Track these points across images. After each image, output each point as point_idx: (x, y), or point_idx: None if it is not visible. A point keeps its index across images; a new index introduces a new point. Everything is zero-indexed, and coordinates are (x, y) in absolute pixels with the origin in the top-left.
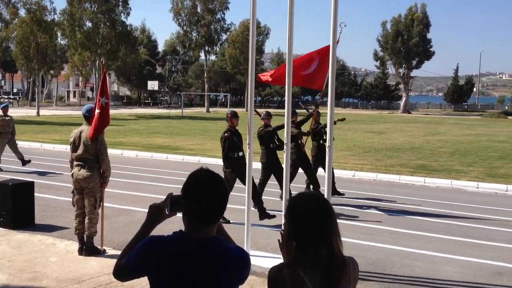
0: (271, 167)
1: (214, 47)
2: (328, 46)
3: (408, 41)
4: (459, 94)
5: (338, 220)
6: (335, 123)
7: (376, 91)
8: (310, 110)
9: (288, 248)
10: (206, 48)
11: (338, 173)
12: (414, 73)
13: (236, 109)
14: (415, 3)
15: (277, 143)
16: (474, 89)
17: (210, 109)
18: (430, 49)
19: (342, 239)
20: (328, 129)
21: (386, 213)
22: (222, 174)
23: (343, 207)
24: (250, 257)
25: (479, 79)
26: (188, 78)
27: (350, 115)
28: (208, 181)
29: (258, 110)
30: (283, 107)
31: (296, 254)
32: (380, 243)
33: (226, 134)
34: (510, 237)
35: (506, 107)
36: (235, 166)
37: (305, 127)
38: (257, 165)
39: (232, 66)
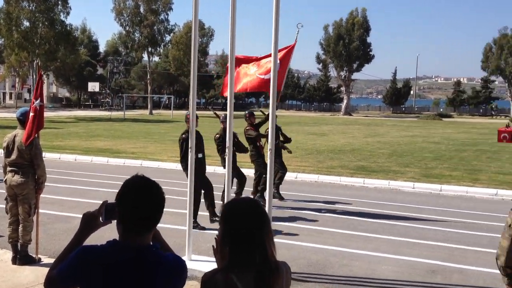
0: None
1: (158, 48)
2: (287, 49)
3: (349, 45)
4: (397, 96)
5: (278, 223)
6: (282, 146)
7: (319, 93)
8: (266, 113)
9: (222, 253)
10: (149, 49)
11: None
12: (355, 76)
13: (179, 111)
14: (356, 8)
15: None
16: (411, 92)
17: (153, 112)
18: (370, 53)
19: (283, 240)
20: (270, 132)
21: (327, 214)
22: (156, 180)
23: (285, 209)
24: (192, 262)
25: (416, 82)
26: (131, 80)
27: (293, 117)
28: (144, 188)
29: (218, 112)
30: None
31: (229, 259)
32: (320, 244)
33: (184, 136)
34: (443, 235)
35: (441, 109)
36: (196, 170)
37: (262, 130)
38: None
39: (176, 68)
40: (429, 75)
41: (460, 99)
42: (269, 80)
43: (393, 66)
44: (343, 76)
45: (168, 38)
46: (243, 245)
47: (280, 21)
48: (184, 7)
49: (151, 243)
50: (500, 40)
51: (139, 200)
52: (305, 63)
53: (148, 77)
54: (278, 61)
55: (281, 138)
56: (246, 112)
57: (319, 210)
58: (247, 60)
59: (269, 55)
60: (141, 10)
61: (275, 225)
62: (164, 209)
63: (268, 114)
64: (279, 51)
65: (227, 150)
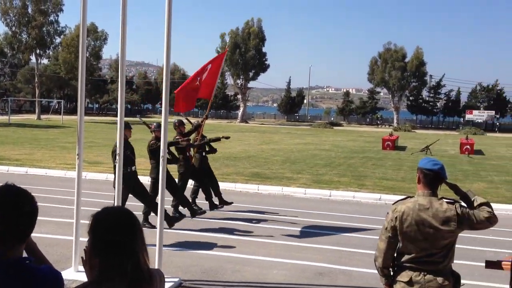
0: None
1: (47, 51)
2: (220, 56)
3: (245, 54)
4: (291, 105)
5: (170, 230)
6: (219, 139)
7: (216, 100)
8: (193, 122)
9: (91, 264)
10: (38, 51)
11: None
12: (251, 84)
13: (70, 117)
14: (251, 18)
15: (169, 156)
16: (305, 101)
17: (42, 116)
18: (266, 62)
19: (177, 248)
20: (162, 139)
21: (220, 221)
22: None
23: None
24: (79, 273)
25: (309, 92)
26: (17, 83)
27: (190, 125)
28: (13, 197)
29: (144, 119)
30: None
31: (99, 270)
32: (213, 251)
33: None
34: (332, 239)
35: (332, 118)
36: (128, 181)
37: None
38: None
39: (67, 71)
40: (321, 85)
41: (349, 108)
42: (197, 86)
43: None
44: (239, 84)
45: (58, 40)
46: (112, 256)
47: (177, 28)
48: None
49: (24, 256)
50: (384, 54)
51: (6, 210)
52: None
53: (36, 80)
54: (209, 69)
55: (207, 149)
56: (175, 121)
57: (212, 217)
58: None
59: (206, 64)
60: (29, 10)
61: (168, 233)
62: (51, 219)
63: (196, 123)
64: (215, 59)
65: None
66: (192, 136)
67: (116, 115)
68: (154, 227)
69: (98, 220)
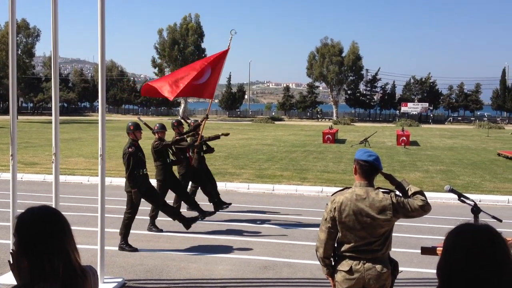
0: (168, 184)
1: None
2: (219, 55)
3: (184, 50)
4: (233, 101)
5: (112, 229)
6: (219, 137)
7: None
8: (189, 121)
9: (19, 267)
10: None
11: (117, 181)
12: None
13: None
14: (189, 13)
15: (172, 158)
16: (246, 96)
17: None
18: None
19: (117, 248)
20: (100, 137)
21: (164, 219)
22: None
23: (121, 215)
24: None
25: (250, 87)
26: None
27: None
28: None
29: (141, 120)
30: (61, 114)
31: (30, 272)
32: (157, 249)
33: (130, 149)
34: (275, 232)
35: (273, 113)
36: (141, 185)
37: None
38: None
39: None
40: (261, 80)
41: (290, 103)
42: (199, 85)
43: (228, 71)
44: None
45: None
46: (41, 256)
47: (113, 24)
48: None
49: None
50: (322, 49)
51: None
52: (141, 66)
53: None
54: (210, 69)
55: (204, 148)
56: (174, 120)
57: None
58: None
59: (204, 60)
60: None
61: (110, 233)
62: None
63: (196, 123)
64: (213, 58)
65: (53, 156)
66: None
67: (62, 113)
68: (161, 230)
69: (22, 219)
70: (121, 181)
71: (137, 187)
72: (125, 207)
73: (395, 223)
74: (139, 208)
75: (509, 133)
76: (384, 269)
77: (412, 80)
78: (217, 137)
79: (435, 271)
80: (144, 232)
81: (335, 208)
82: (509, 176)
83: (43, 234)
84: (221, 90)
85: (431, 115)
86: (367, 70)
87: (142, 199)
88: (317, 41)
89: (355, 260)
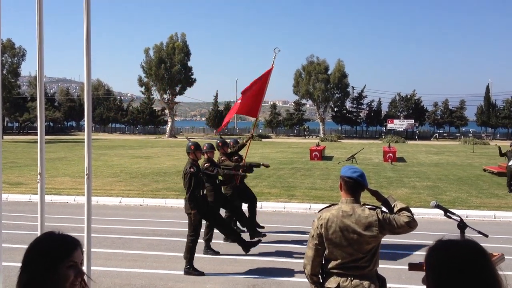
0: (219, 204)
1: None
2: (266, 74)
3: (170, 68)
4: (220, 119)
5: (99, 250)
6: (259, 166)
7: (143, 116)
8: (228, 141)
9: None
10: None
11: (104, 200)
12: (178, 98)
13: None
14: (175, 32)
15: (220, 178)
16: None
17: None
18: (192, 76)
19: (107, 268)
20: (86, 156)
21: (151, 238)
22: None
23: (107, 235)
24: None
25: None
26: None
27: (118, 141)
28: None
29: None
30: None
31: None
32: (145, 268)
33: (191, 170)
34: (262, 250)
35: (260, 130)
36: (201, 206)
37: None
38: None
39: None
40: None
41: (277, 120)
42: (243, 103)
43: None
44: (166, 99)
45: None
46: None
47: (99, 43)
48: None
49: None
50: (308, 67)
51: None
52: (128, 85)
53: None
54: (257, 87)
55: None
56: (218, 141)
57: (145, 234)
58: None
59: (253, 83)
60: None
61: (96, 253)
62: None
63: (241, 143)
64: (262, 77)
65: (39, 176)
66: (216, 156)
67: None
68: (217, 253)
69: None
70: (108, 200)
71: (197, 208)
72: (187, 229)
73: (383, 239)
74: (122, 227)
75: (495, 144)
76: (371, 285)
77: (397, 97)
78: (257, 165)
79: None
80: (131, 251)
81: (321, 225)
82: (495, 192)
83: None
84: (208, 108)
85: (417, 132)
86: (353, 87)
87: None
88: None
89: (343, 276)
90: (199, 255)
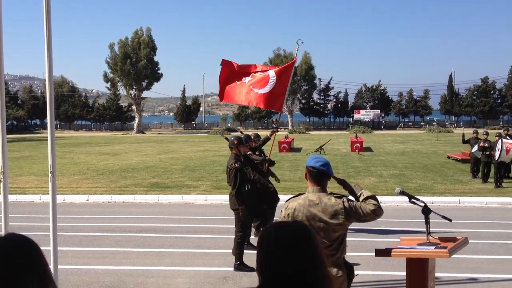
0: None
1: None
2: (286, 66)
3: (136, 63)
4: (188, 113)
5: (66, 248)
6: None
7: (109, 112)
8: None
9: None
10: None
11: (71, 198)
12: (145, 94)
13: None
14: (140, 27)
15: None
16: (201, 109)
17: None
18: (159, 71)
19: (75, 266)
20: (49, 154)
21: (121, 234)
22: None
23: (75, 233)
24: None
25: (204, 99)
26: None
27: (84, 138)
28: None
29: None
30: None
31: None
32: (114, 265)
33: (236, 165)
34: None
35: (229, 124)
36: (247, 201)
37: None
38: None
39: None
40: (216, 92)
41: (245, 114)
42: (264, 95)
43: (182, 84)
44: (133, 95)
45: None
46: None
47: (62, 39)
48: None
49: None
50: (275, 59)
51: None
52: (93, 81)
53: None
54: (275, 79)
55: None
56: (243, 136)
57: (113, 231)
58: (240, 69)
59: (264, 68)
60: None
61: (61, 252)
62: None
63: (265, 137)
64: (279, 69)
65: (1, 175)
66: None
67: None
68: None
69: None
70: (75, 198)
71: (244, 204)
72: (234, 226)
73: (350, 227)
74: (90, 224)
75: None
76: (339, 272)
77: (363, 88)
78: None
79: (391, 273)
80: (99, 248)
81: (288, 214)
82: (459, 178)
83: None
84: (176, 103)
85: (383, 122)
86: (319, 79)
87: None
88: (270, 52)
89: None
90: (167, 249)
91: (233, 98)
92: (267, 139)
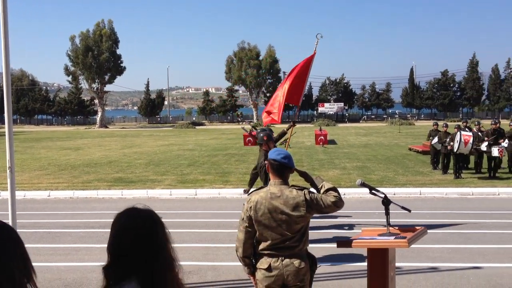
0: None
1: None
2: (306, 60)
3: (98, 57)
4: (152, 107)
5: (29, 245)
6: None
7: (71, 106)
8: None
9: None
10: None
11: (31, 194)
12: (108, 87)
13: None
14: (102, 19)
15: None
16: (165, 102)
17: None
18: (121, 65)
19: (35, 264)
20: (7, 149)
21: (83, 230)
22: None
23: (36, 229)
24: None
25: (169, 93)
26: None
27: (45, 132)
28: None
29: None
30: None
31: None
32: (76, 262)
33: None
34: (197, 237)
35: (194, 118)
36: None
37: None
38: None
39: None
40: (180, 86)
41: (210, 107)
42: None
43: (146, 77)
44: (95, 88)
45: None
46: None
47: (21, 30)
48: None
49: None
50: (239, 53)
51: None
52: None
53: None
54: (295, 73)
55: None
56: (260, 130)
57: (76, 227)
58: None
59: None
60: None
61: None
62: None
63: (282, 131)
64: (301, 63)
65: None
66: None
67: None
68: None
69: None
70: (36, 194)
71: None
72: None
73: (312, 219)
74: (51, 221)
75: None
76: (302, 263)
77: (327, 81)
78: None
79: (353, 264)
80: (61, 245)
81: (251, 207)
82: (420, 169)
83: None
84: (140, 97)
85: (347, 114)
86: (284, 72)
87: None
88: (234, 45)
89: (274, 257)
90: None
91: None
92: (283, 133)
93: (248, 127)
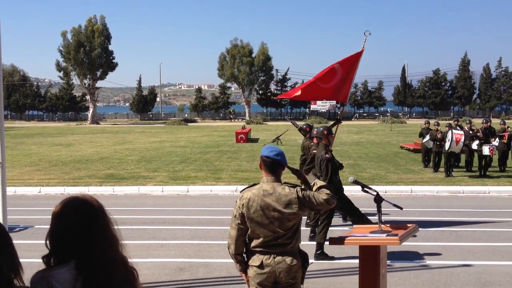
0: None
1: None
2: (353, 57)
3: (90, 52)
4: (144, 104)
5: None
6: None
7: (62, 102)
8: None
9: None
10: None
11: (22, 190)
12: (100, 83)
13: None
14: (94, 15)
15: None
16: (158, 99)
17: None
18: (113, 61)
19: (24, 260)
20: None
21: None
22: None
23: (26, 226)
24: None
25: (161, 90)
26: None
27: (36, 128)
28: None
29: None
30: None
31: None
32: None
33: (327, 156)
34: (189, 233)
35: (186, 115)
36: (337, 191)
37: None
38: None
39: None
40: (173, 83)
41: (202, 104)
42: (330, 88)
43: (138, 73)
44: (87, 84)
45: None
46: None
47: (12, 26)
48: None
49: None
50: (232, 50)
51: None
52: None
53: None
54: (341, 71)
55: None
56: (304, 125)
57: None
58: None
59: (332, 65)
60: None
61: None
62: None
63: (331, 126)
64: (345, 60)
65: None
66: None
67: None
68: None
69: None
70: (27, 190)
71: (337, 193)
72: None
73: (304, 217)
74: (42, 217)
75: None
76: (294, 261)
77: None
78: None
79: (346, 261)
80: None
81: (243, 205)
82: (411, 167)
83: None
84: (132, 93)
85: (339, 112)
86: (277, 70)
87: None
88: (227, 42)
89: (266, 254)
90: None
91: (301, 96)
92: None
93: (300, 123)
